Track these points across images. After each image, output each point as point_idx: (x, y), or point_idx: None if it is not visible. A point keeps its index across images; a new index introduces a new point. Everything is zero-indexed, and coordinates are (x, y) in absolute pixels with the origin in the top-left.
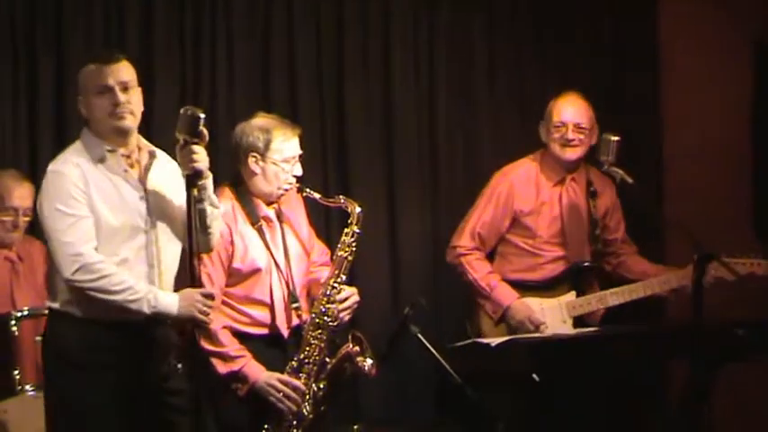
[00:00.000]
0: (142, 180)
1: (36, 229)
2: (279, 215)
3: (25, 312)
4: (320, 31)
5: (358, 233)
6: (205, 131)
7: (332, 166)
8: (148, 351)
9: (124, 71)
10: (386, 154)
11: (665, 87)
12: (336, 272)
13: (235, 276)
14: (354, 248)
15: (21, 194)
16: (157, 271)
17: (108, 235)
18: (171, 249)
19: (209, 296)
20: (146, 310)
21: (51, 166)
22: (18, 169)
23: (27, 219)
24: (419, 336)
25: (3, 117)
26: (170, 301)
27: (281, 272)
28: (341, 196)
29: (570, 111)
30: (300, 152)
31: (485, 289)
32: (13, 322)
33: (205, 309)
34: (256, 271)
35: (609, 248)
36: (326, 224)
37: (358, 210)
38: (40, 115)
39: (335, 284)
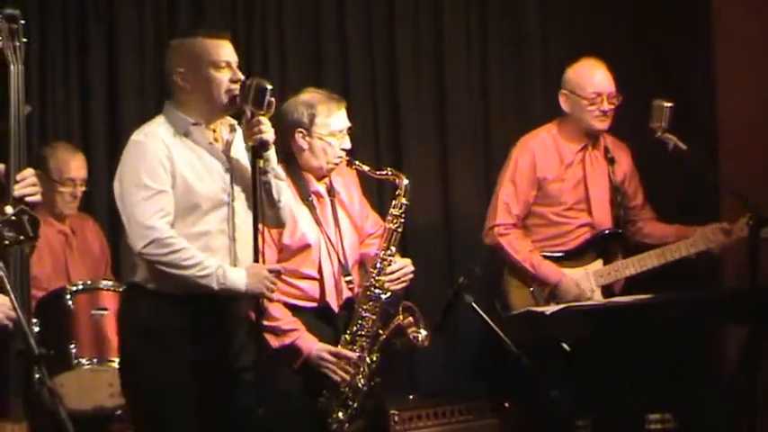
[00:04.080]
0: (226, 152)
1: (89, 206)
2: (330, 190)
3: (80, 286)
4: (371, 6)
5: (406, 205)
6: (273, 102)
7: (384, 137)
8: (224, 327)
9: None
10: (439, 126)
11: (718, 50)
12: (386, 244)
13: (285, 252)
14: (403, 221)
15: (77, 165)
16: (237, 244)
17: (193, 207)
18: (248, 223)
19: (276, 272)
20: (214, 286)
21: (135, 137)
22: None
23: (83, 189)
24: (473, 305)
25: (55, 95)
26: (238, 276)
27: (332, 246)
28: (389, 169)
29: (604, 81)
30: (348, 125)
31: (529, 270)
32: (69, 296)
33: (272, 285)
34: (306, 246)
35: (628, 216)
36: (379, 197)
37: (405, 182)
38: (90, 94)
39: (386, 257)
